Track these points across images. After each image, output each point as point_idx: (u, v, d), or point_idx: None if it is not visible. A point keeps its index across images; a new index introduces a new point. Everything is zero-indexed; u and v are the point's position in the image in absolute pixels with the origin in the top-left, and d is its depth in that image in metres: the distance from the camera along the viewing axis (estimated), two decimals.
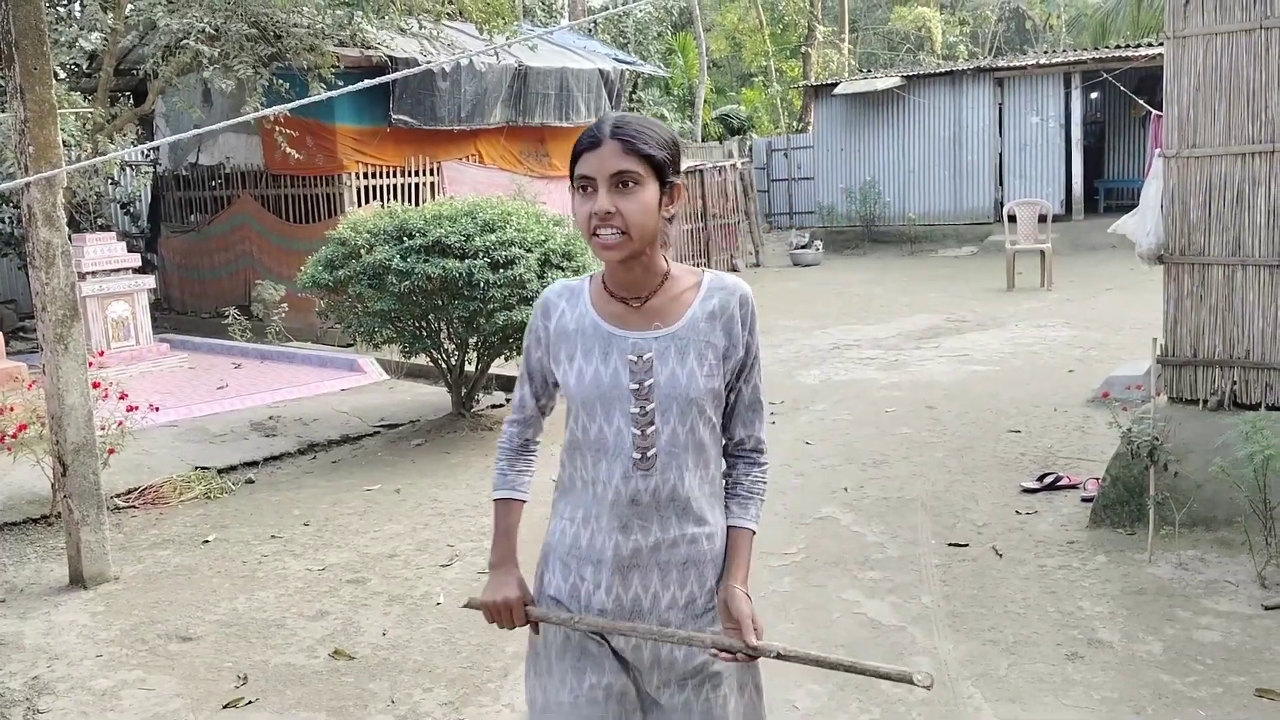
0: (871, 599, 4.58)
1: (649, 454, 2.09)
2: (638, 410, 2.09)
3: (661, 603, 2.15)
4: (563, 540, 2.21)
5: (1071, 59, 18.24)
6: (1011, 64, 19.05)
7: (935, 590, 4.64)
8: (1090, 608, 4.40)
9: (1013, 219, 14.00)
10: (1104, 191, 19.74)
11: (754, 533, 2.23)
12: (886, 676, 2.01)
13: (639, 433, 2.09)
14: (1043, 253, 13.75)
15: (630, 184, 2.03)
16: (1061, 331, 10.63)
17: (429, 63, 11.04)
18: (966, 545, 5.14)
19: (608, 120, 2.08)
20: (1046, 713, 3.61)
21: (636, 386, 2.09)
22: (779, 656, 2.07)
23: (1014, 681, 3.83)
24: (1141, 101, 16.12)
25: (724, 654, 2.09)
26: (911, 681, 1.94)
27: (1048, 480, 5.91)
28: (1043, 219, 13.98)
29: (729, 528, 2.21)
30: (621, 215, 2.02)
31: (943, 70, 19.62)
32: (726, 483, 2.24)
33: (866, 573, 4.87)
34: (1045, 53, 22.11)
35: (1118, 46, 18.20)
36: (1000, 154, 18.73)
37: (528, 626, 2.21)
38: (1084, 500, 5.61)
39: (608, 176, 2.03)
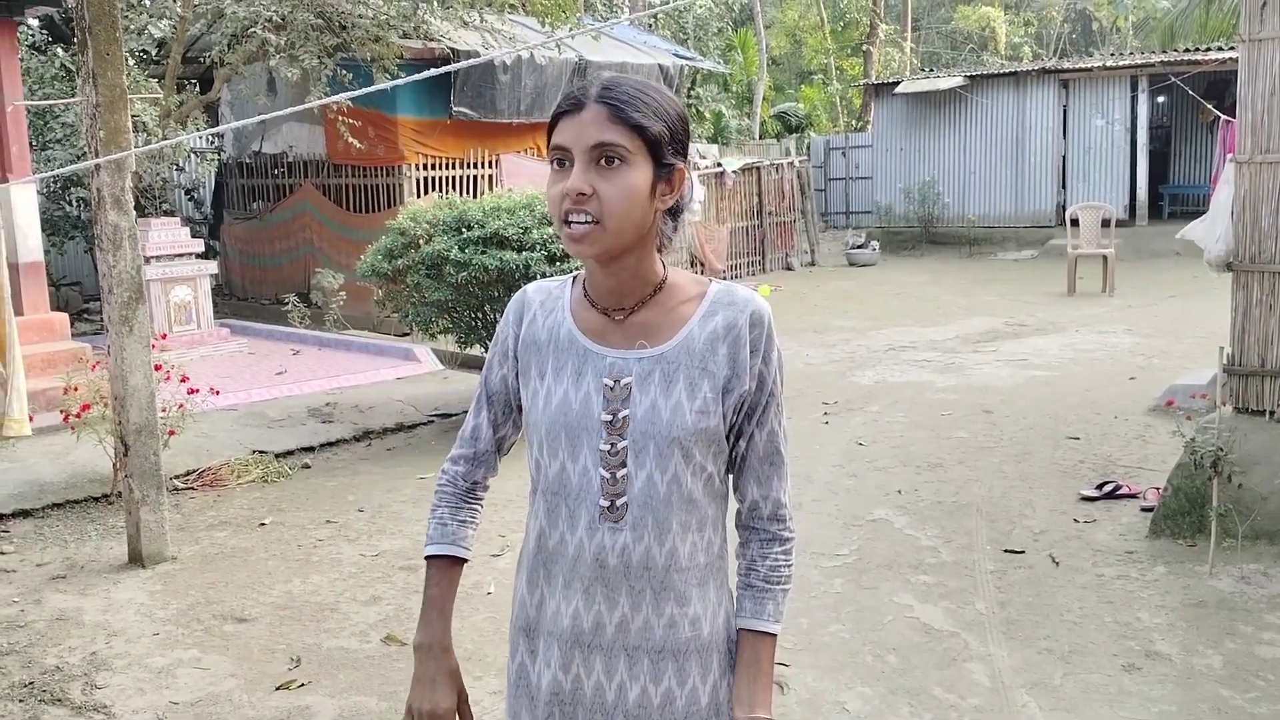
0: (924, 603, 4.53)
1: (618, 503, 1.67)
2: (607, 448, 1.67)
3: (629, 698, 1.70)
4: (514, 606, 1.82)
5: (1139, 61, 17.93)
6: (1077, 65, 18.76)
7: (990, 597, 4.58)
8: (1148, 619, 4.32)
9: (1075, 223, 13.79)
10: (1169, 197, 19.37)
11: (775, 637, 1.74)
12: None
13: (608, 475, 1.67)
14: (1105, 258, 13.52)
15: (614, 160, 1.60)
16: (1123, 338, 10.45)
17: (491, 55, 11.09)
18: (1023, 552, 5.06)
19: (594, 81, 1.66)
20: None
21: (609, 418, 1.67)
22: None
23: (1068, 691, 3.77)
24: (1210, 106, 15.79)
25: None
26: None
27: (1107, 488, 5.81)
28: (1106, 223, 13.76)
29: (741, 630, 1.74)
30: (598, 198, 1.60)
31: (1006, 71, 19.39)
32: (739, 564, 1.79)
33: (920, 577, 4.82)
34: (1111, 55, 21.73)
35: (1186, 50, 17.84)
36: (1064, 156, 18.46)
37: None
38: (1144, 510, 5.51)
39: (587, 148, 1.60)
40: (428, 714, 1.75)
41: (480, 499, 1.89)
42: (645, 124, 1.62)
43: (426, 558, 1.84)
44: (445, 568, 1.83)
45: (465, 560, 1.85)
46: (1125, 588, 4.64)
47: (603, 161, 1.61)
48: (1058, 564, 4.92)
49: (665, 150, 1.64)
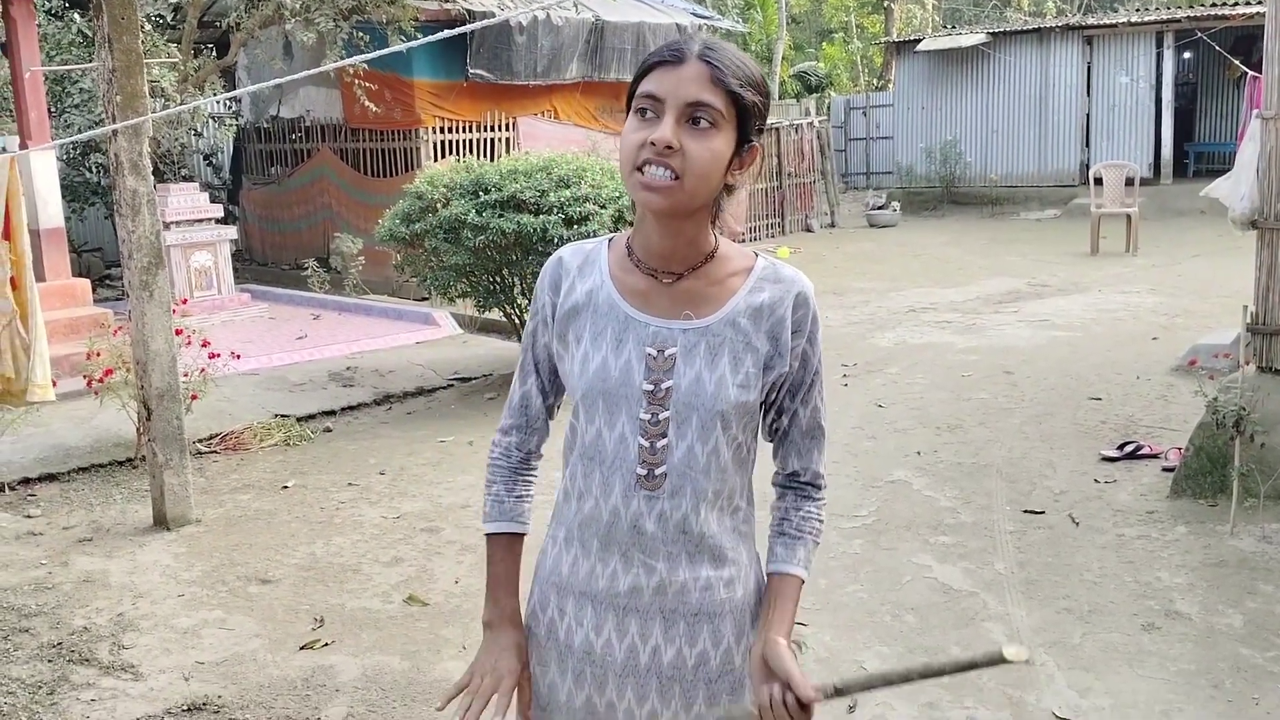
0: (943, 564, 4.53)
1: (657, 472, 1.67)
2: (648, 417, 1.67)
3: (663, 660, 1.71)
4: (544, 562, 1.82)
5: (1164, 17, 17.63)
6: (1101, 21, 18.47)
7: (1009, 557, 4.58)
8: (1169, 579, 4.31)
9: (1099, 181, 13.65)
10: (1194, 155, 19.14)
11: (803, 580, 1.75)
12: (973, 666, 1.56)
13: (647, 445, 1.67)
14: (1129, 217, 13.38)
15: (704, 122, 1.57)
16: (1146, 298, 10.37)
17: (507, 16, 11.02)
18: (1043, 513, 5.06)
19: (698, 38, 1.62)
20: (1121, 683, 3.55)
21: (651, 388, 1.66)
22: (837, 693, 1.62)
23: (1088, 650, 3.77)
24: (1237, 62, 15.55)
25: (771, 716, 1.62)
26: (1005, 660, 1.50)
27: (1128, 449, 5.79)
28: (1130, 182, 13.60)
29: (770, 574, 1.75)
30: (683, 155, 1.56)
31: (1030, 27, 19.12)
32: (772, 517, 1.81)
33: (939, 537, 4.82)
34: (1137, 10, 21.41)
35: (1213, 4, 17.56)
36: (1087, 114, 18.22)
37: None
38: (1165, 470, 5.49)
39: (682, 104, 1.57)
40: (490, 673, 1.76)
41: (534, 469, 1.89)
42: (742, 94, 1.60)
43: (487, 535, 1.85)
44: (506, 544, 1.84)
45: (524, 534, 1.85)
46: (1146, 547, 4.63)
47: (693, 120, 1.58)
48: (1078, 524, 4.91)
49: (752, 125, 1.64)
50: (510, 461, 1.86)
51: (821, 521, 1.80)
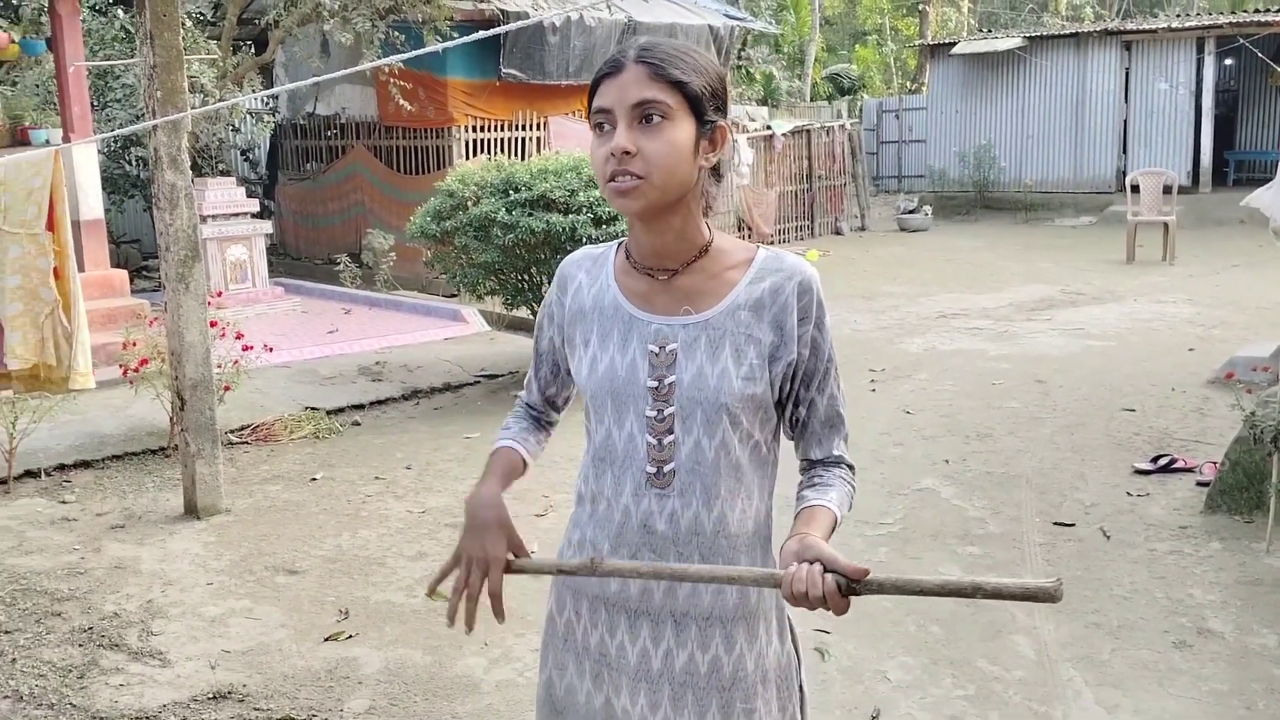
0: (970, 574, 4.50)
1: (665, 470, 1.68)
2: (654, 414, 1.68)
3: (675, 665, 1.71)
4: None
5: (1205, 23, 17.45)
6: (1141, 27, 18.30)
7: (1038, 569, 4.55)
8: (1201, 596, 4.26)
9: (1135, 189, 13.51)
10: (1234, 163, 18.91)
11: (836, 516, 1.69)
12: (1006, 595, 1.48)
13: (654, 442, 1.68)
14: (1166, 225, 13.24)
15: (656, 118, 1.60)
16: (1183, 308, 10.26)
17: (541, 17, 11.06)
18: (1073, 525, 5.01)
19: (633, 44, 1.67)
20: (1150, 701, 3.52)
21: (655, 384, 1.68)
22: (874, 584, 1.50)
23: (1117, 667, 3.73)
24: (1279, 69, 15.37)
25: (801, 593, 1.51)
26: (1036, 595, 1.44)
27: (1162, 462, 5.73)
28: (1167, 190, 13.46)
29: (799, 511, 1.70)
30: (642, 156, 1.60)
31: (1067, 32, 18.96)
32: (800, 483, 1.79)
33: (966, 547, 4.79)
34: (1177, 16, 21.20)
35: (1255, 10, 17.35)
36: (1125, 121, 18.05)
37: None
38: (1199, 484, 5.42)
39: (628, 108, 1.60)
40: (480, 560, 1.70)
41: (546, 428, 1.96)
42: (685, 80, 1.62)
43: (491, 453, 1.88)
44: (506, 454, 1.87)
45: (527, 462, 1.88)
46: (1178, 563, 4.58)
47: (644, 120, 1.61)
48: (1109, 538, 4.86)
49: (706, 106, 1.65)
50: (526, 411, 1.96)
51: (851, 485, 1.78)
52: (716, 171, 1.72)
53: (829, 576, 1.50)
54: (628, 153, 1.60)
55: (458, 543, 1.74)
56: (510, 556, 1.71)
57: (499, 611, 1.69)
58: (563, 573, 1.69)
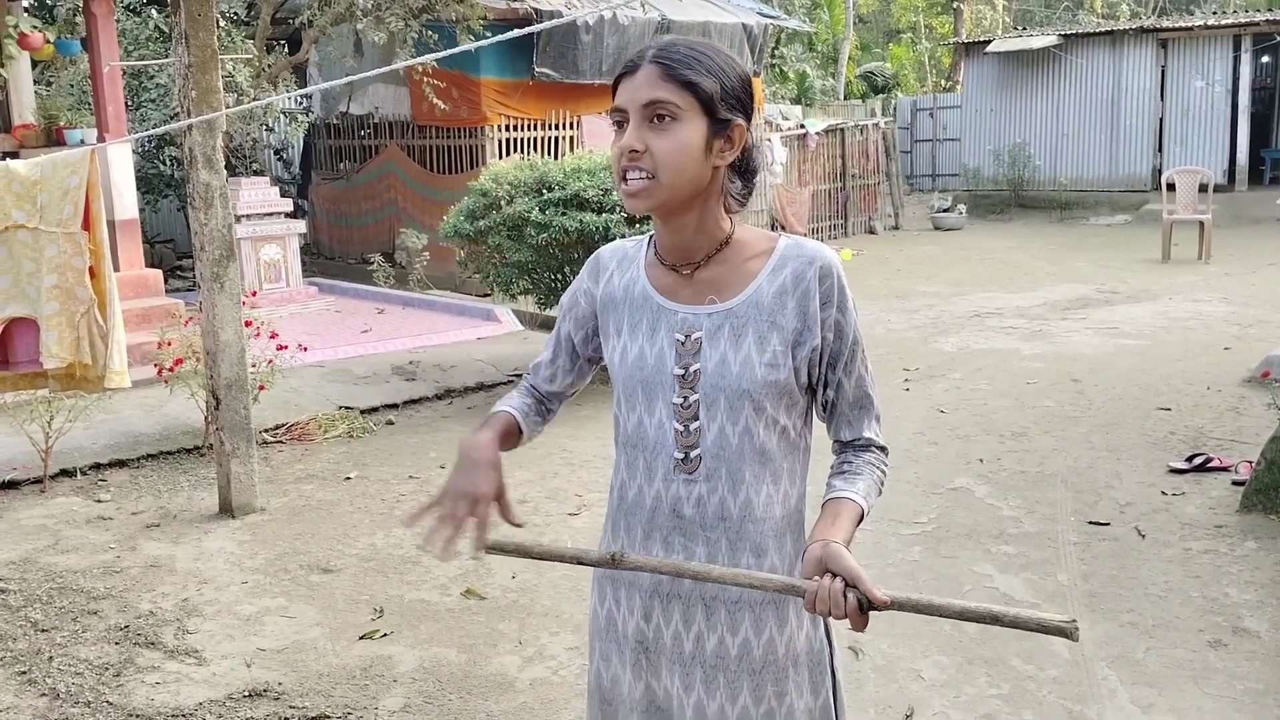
0: (1005, 574, 4.47)
1: (692, 455, 1.72)
2: (680, 401, 1.72)
3: (706, 648, 1.75)
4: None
5: (1243, 20, 17.26)
6: (1177, 25, 18.11)
7: (1073, 568, 4.51)
8: (1237, 595, 4.21)
9: (1171, 187, 13.37)
10: (1270, 162, 18.67)
11: (862, 509, 1.69)
12: (1024, 626, 1.51)
13: (681, 428, 1.72)
14: (1202, 224, 13.10)
15: (665, 117, 1.63)
16: (1218, 307, 10.14)
17: (574, 16, 11.07)
18: (1108, 524, 4.97)
19: (654, 44, 1.70)
20: (1185, 700, 3.48)
21: (681, 372, 1.72)
22: (895, 605, 1.55)
23: (1152, 666, 3.70)
24: None
25: (820, 605, 1.55)
26: (1068, 634, 1.47)
27: (1197, 461, 5.66)
28: (1203, 188, 13.32)
29: (825, 501, 1.71)
30: (650, 154, 1.63)
31: (1103, 30, 18.79)
32: (831, 468, 1.80)
33: (1000, 546, 4.76)
34: (1214, 14, 20.95)
35: None
36: (1160, 119, 17.87)
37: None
38: (1235, 484, 5.36)
39: (640, 107, 1.64)
40: (467, 494, 1.69)
41: (545, 414, 1.97)
42: (695, 80, 1.64)
43: (489, 413, 1.93)
44: (505, 418, 1.90)
45: (523, 432, 1.91)
46: (1213, 562, 4.53)
47: (654, 119, 1.64)
48: (1144, 537, 4.82)
49: (718, 106, 1.66)
50: (524, 390, 1.98)
51: (882, 470, 1.79)
52: (743, 169, 1.74)
53: (851, 595, 1.53)
54: (636, 151, 1.64)
55: (447, 479, 1.75)
56: (495, 497, 1.73)
57: (480, 541, 1.69)
58: (584, 564, 1.72)
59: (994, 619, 1.52)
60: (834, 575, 1.55)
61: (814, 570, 1.58)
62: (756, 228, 1.81)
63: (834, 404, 1.78)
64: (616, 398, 1.82)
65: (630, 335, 1.78)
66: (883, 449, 1.81)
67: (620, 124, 1.68)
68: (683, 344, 1.73)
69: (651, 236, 1.83)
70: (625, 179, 1.66)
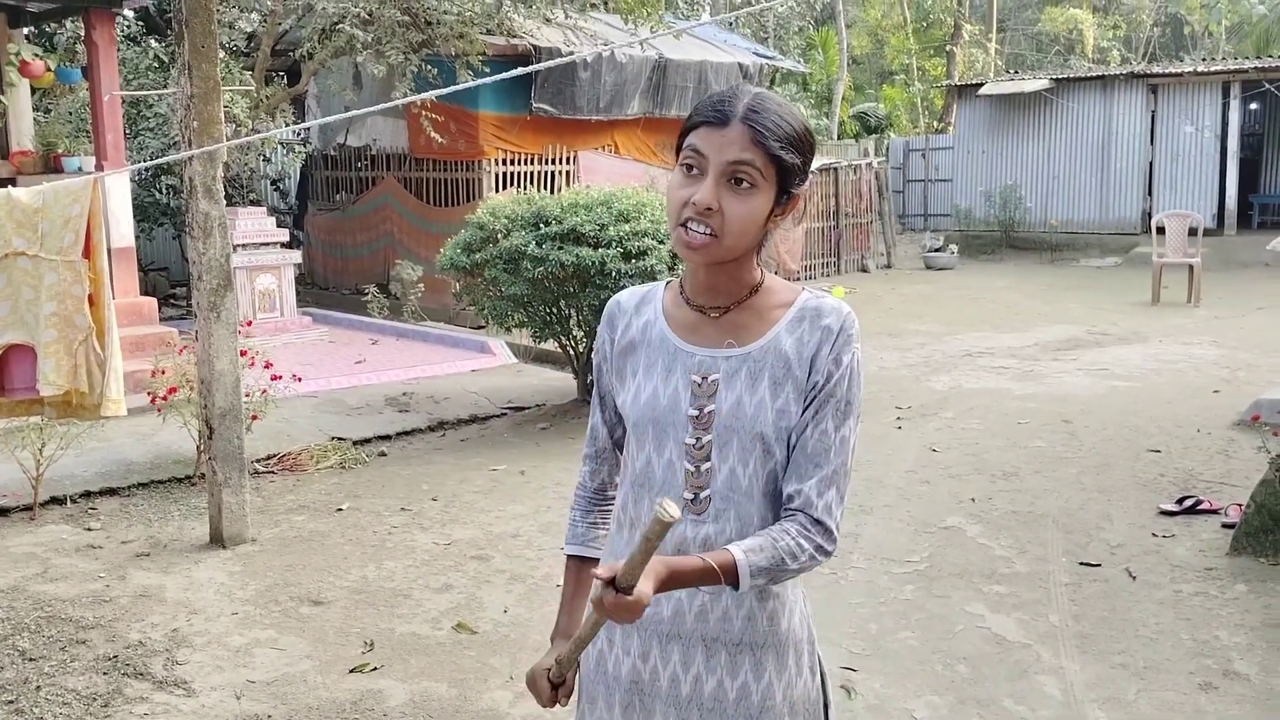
0: (996, 614, 4.48)
1: (702, 496, 1.72)
2: (693, 441, 1.73)
3: (704, 691, 1.73)
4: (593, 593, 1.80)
5: (1231, 67, 17.48)
6: (1167, 70, 18.32)
7: (1064, 609, 4.52)
8: (1227, 638, 4.22)
9: (1161, 231, 13.47)
10: (1259, 206, 18.86)
11: (734, 564, 1.60)
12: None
13: (692, 469, 1.73)
14: (1191, 267, 13.20)
15: (744, 183, 1.64)
16: (1208, 350, 10.20)
17: (574, 56, 11.17)
18: (1099, 565, 4.98)
19: (743, 95, 1.67)
20: None
21: (696, 413, 1.73)
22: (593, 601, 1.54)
23: (1142, 708, 3.70)
24: None
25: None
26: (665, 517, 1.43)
27: (1187, 503, 5.69)
28: (1193, 232, 13.41)
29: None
30: (722, 215, 1.64)
31: (1094, 74, 19.01)
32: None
33: (992, 586, 4.77)
34: (1203, 60, 21.21)
35: None
36: (1150, 163, 18.05)
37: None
38: (1225, 526, 5.38)
39: (724, 164, 1.64)
40: (528, 677, 1.86)
41: (610, 499, 1.95)
42: (783, 156, 1.66)
43: (567, 557, 1.97)
44: (577, 566, 1.93)
45: (595, 560, 1.91)
46: (1204, 605, 4.54)
47: (734, 181, 1.65)
48: (1134, 578, 4.83)
49: (793, 181, 1.70)
50: (585, 491, 1.97)
51: (801, 548, 1.65)
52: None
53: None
54: (710, 209, 1.64)
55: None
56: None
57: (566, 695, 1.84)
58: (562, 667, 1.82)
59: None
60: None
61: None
62: (781, 279, 1.83)
63: (791, 450, 1.71)
64: (626, 436, 1.83)
65: (645, 376, 1.79)
66: (820, 524, 1.68)
67: (690, 166, 1.67)
68: (699, 385, 1.74)
69: (669, 282, 1.86)
70: (687, 228, 1.66)
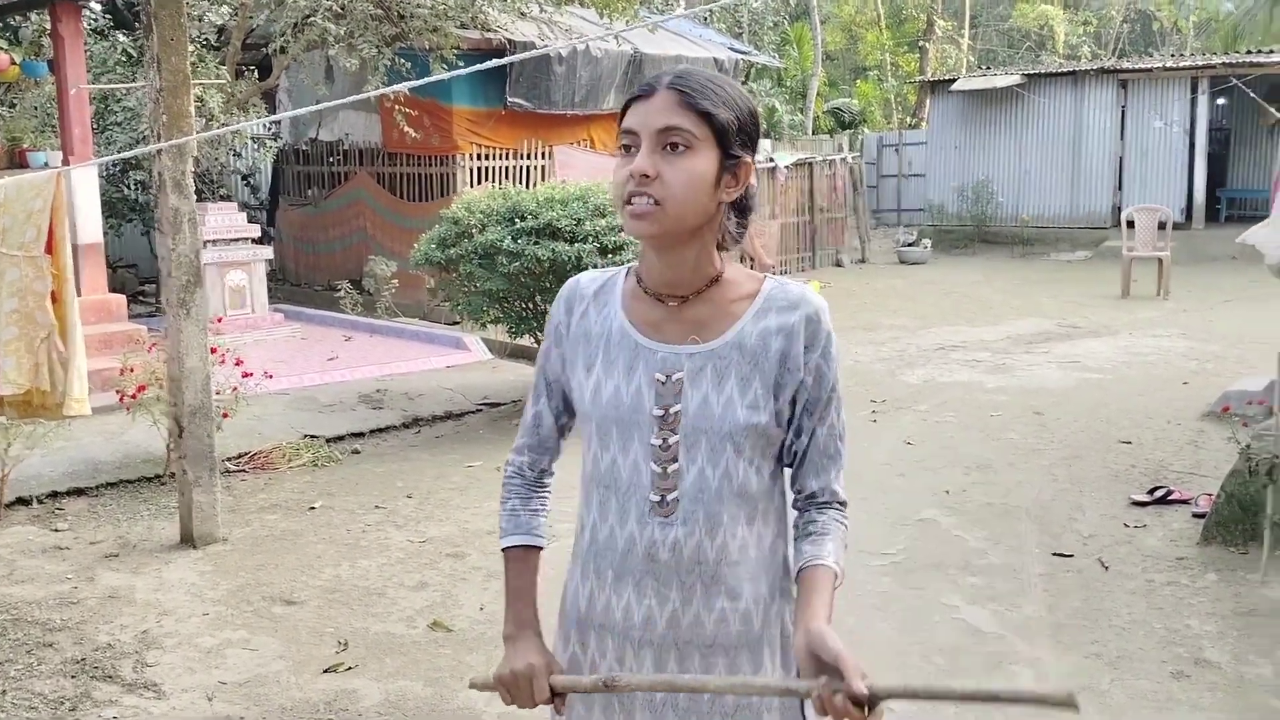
0: (972, 605, 4.49)
1: (669, 498, 1.68)
2: (659, 442, 1.68)
3: (679, 695, 1.70)
4: (565, 597, 1.83)
5: (1200, 63, 17.62)
6: (1136, 66, 18.46)
7: (1038, 600, 4.54)
8: (1198, 626, 4.26)
9: (1131, 225, 13.58)
10: (1226, 200, 19.04)
11: (836, 574, 1.69)
12: (1024, 700, 1.45)
13: (659, 470, 1.68)
14: (1160, 261, 13.31)
15: (680, 146, 1.61)
16: (1177, 342, 10.29)
17: (548, 49, 11.13)
18: (1072, 556, 5.01)
19: (670, 71, 1.67)
20: None
21: (661, 413, 1.68)
22: (874, 696, 1.51)
23: (1116, 697, 3.72)
24: (1272, 110, 15.48)
25: (827, 708, 1.51)
26: (1057, 703, 1.40)
27: (1158, 494, 5.73)
28: (1162, 226, 13.52)
29: (800, 569, 1.70)
30: (661, 181, 1.60)
31: (1064, 70, 19.11)
32: (795, 529, 1.78)
33: (967, 578, 4.78)
34: (1172, 56, 21.37)
35: (1249, 51, 17.51)
36: (1120, 158, 18.18)
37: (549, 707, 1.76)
38: (1195, 516, 5.43)
39: (654, 132, 1.62)
40: (521, 669, 1.71)
41: (548, 487, 1.90)
42: (713, 111, 1.62)
43: (504, 550, 1.86)
44: (522, 556, 1.84)
45: (541, 548, 1.86)
46: (1175, 594, 4.57)
47: (668, 146, 1.62)
48: (1107, 569, 4.86)
49: (732, 140, 1.65)
50: (524, 479, 1.88)
51: (846, 528, 1.77)
52: (741, 207, 1.72)
53: (838, 698, 1.49)
54: (647, 176, 1.61)
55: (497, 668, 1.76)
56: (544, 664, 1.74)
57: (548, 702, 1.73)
58: (578, 691, 1.70)
59: (992, 698, 1.49)
60: (828, 674, 1.51)
61: (805, 662, 1.55)
62: (743, 268, 1.78)
63: (804, 452, 1.74)
64: (587, 435, 1.76)
65: (605, 372, 1.72)
66: (844, 504, 1.78)
67: (628, 148, 1.65)
68: (663, 384, 1.68)
69: (629, 268, 1.79)
70: (630, 201, 1.63)
